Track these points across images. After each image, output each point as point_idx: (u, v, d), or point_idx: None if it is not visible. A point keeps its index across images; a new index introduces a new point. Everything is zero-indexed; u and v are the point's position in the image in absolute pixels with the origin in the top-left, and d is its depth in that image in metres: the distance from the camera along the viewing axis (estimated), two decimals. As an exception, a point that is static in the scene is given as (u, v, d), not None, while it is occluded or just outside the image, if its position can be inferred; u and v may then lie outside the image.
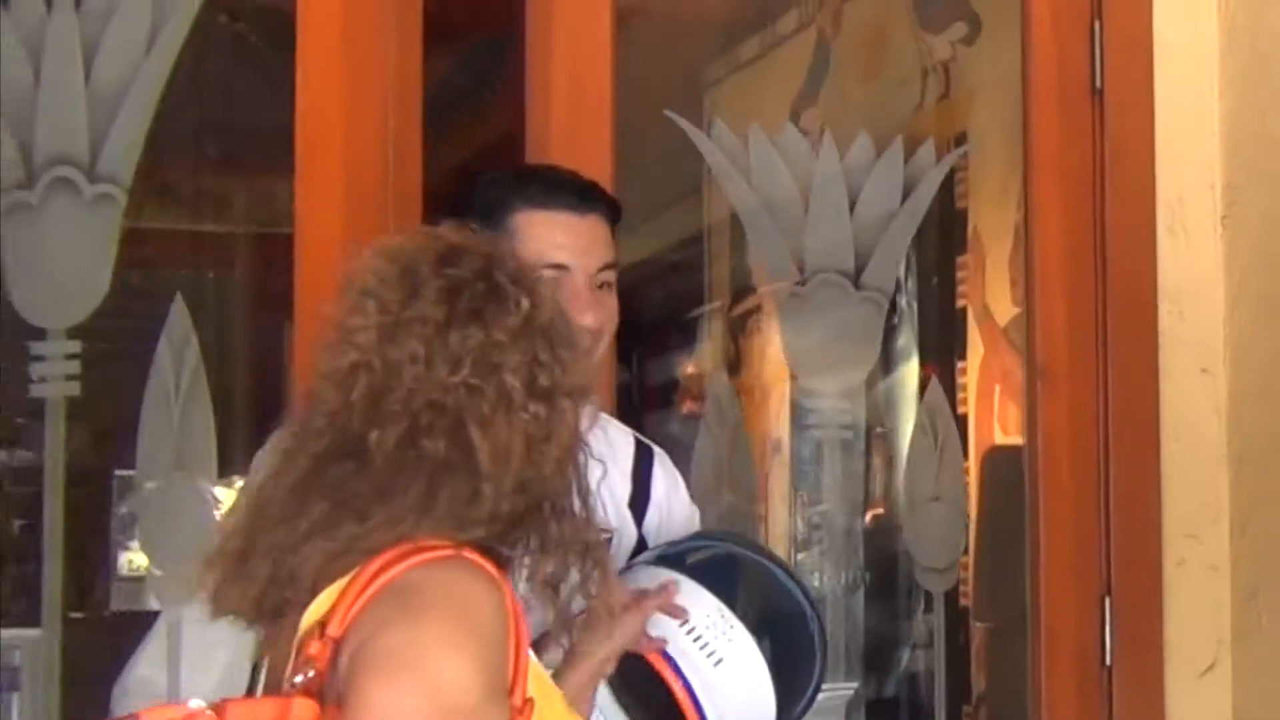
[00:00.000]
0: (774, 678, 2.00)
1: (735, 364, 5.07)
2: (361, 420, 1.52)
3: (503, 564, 1.52)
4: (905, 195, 2.88)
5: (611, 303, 2.06)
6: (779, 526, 4.40)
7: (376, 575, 1.43)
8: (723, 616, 1.99)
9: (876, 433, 3.58)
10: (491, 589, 1.45)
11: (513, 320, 1.55)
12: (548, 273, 1.89)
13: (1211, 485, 2.83)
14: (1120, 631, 2.78)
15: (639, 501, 2.19)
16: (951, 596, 3.20)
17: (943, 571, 2.88)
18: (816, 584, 3.39)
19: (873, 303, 2.86)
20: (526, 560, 1.56)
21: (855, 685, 3.01)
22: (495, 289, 1.56)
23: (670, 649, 1.94)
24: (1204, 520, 2.83)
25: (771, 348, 4.83)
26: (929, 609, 3.94)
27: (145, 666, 2.33)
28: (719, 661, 1.96)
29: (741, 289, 5.08)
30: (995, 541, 2.99)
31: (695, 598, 1.99)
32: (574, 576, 1.58)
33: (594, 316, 2.00)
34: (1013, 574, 3.01)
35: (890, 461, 4.15)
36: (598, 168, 2.46)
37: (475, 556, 1.47)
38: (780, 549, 4.00)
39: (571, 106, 2.58)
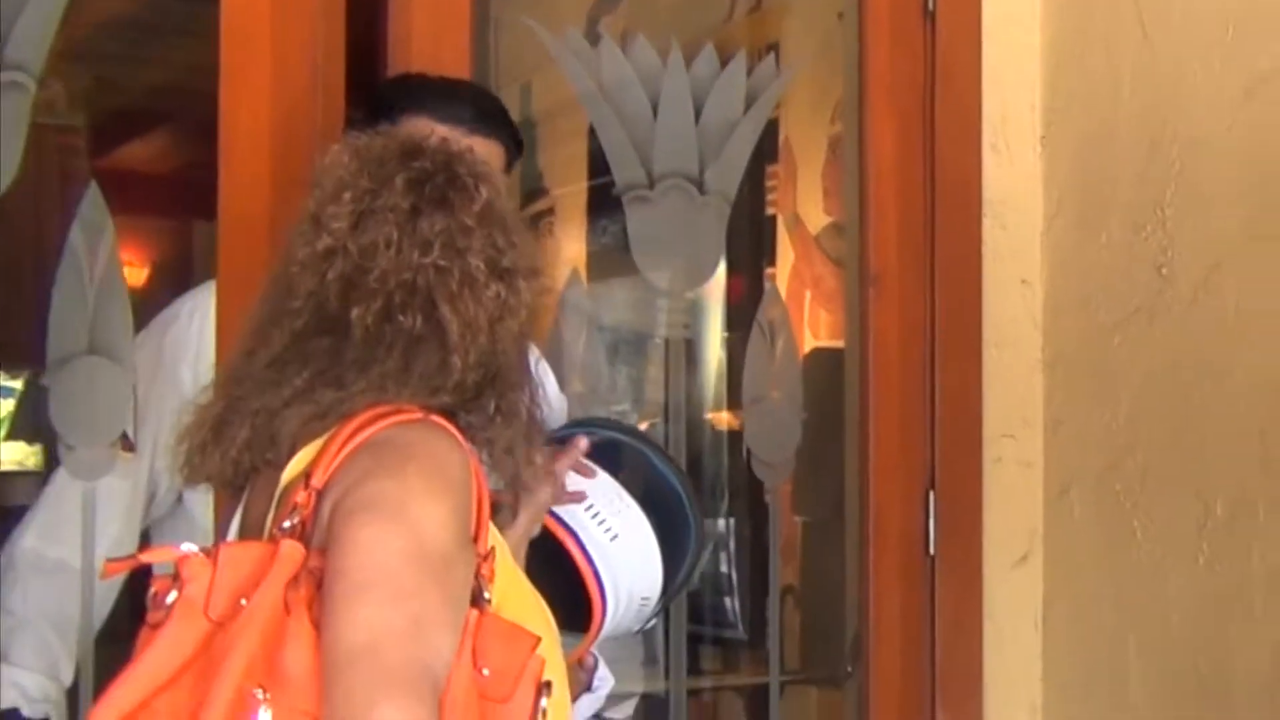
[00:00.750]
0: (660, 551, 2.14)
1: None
2: (338, 299, 1.62)
3: (462, 430, 1.63)
4: (748, 105, 2.96)
5: None
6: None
7: (355, 433, 1.54)
8: (619, 496, 2.11)
9: (678, 336, 3.66)
10: (458, 448, 1.57)
11: (474, 207, 1.66)
12: None
13: (1028, 388, 3.02)
14: (942, 523, 2.95)
15: None
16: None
17: (777, 466, 3.01)
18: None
19: (714, 208, 2.95)
20: (483, 429, 1.67)
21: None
22: (456, 179, 1.67)
23: (572, 523, 2.05)
24: (1020, 421, 3.02)
25: (566, 250, 4.91)
26: (731, 512, 4.10)
27: (33, 538, 2.32)
28: (615, 536, 2.08)
29: (532, 191, 5.13)
30: (815, 440, 3.13)
31: (592, 478, 2.11)
32: (522, 444, 1.70)
33: None
34: (832, 470, 3.18)
35: (690, 365, 4.27)
36: (457, 73, 2.50)
37: (442, 420, 1.59)
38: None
39: (433, 11, 2.60)
